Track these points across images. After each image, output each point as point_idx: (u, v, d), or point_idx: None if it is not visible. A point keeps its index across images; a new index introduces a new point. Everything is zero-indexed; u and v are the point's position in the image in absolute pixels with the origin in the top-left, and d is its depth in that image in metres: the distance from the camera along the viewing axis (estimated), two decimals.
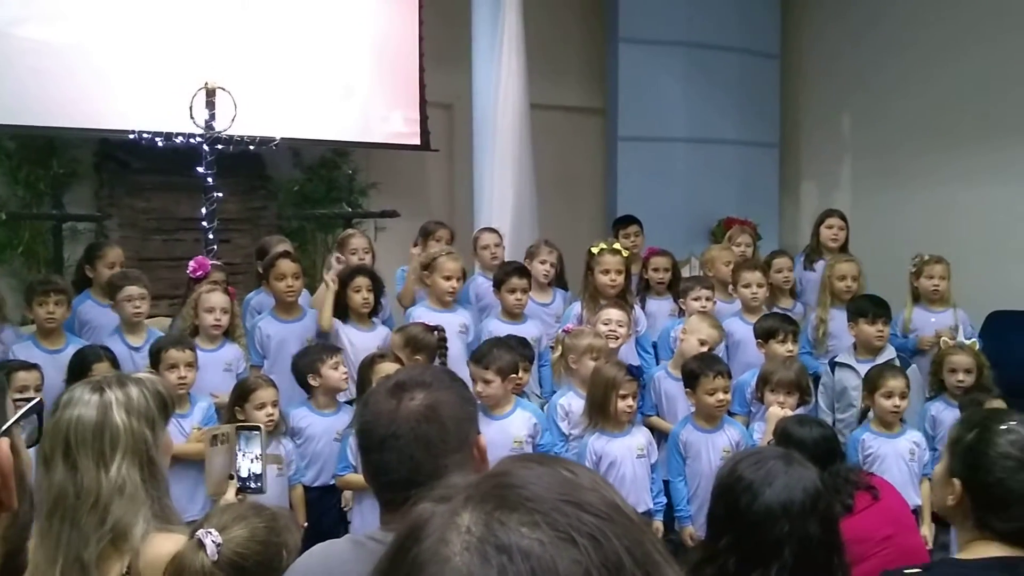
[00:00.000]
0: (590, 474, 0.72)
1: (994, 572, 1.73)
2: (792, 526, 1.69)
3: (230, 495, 2.32)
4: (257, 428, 2.50)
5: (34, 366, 3.79)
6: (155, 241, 6.24)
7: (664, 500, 4.02)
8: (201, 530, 1.76)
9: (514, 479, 0.68)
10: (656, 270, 5.36)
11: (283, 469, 3.70)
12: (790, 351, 4.47)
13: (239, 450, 2.38)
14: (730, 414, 4.24)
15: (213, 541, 1.73)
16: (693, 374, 4.04)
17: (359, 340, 4.55)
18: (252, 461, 2.39)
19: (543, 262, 5.17)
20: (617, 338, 4.46)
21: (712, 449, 3.99)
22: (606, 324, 4.47)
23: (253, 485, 2.38)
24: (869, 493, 2.89)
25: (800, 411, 3.96)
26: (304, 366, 4.13)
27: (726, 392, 3.98)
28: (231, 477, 2.36)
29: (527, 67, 6.70)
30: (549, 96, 7.33)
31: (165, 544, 1.77)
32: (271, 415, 3.75)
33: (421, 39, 6.98)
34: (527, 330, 4.68)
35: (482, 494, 0.67)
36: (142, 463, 1.80)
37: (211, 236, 5.52)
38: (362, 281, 4.65)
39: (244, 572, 1.76)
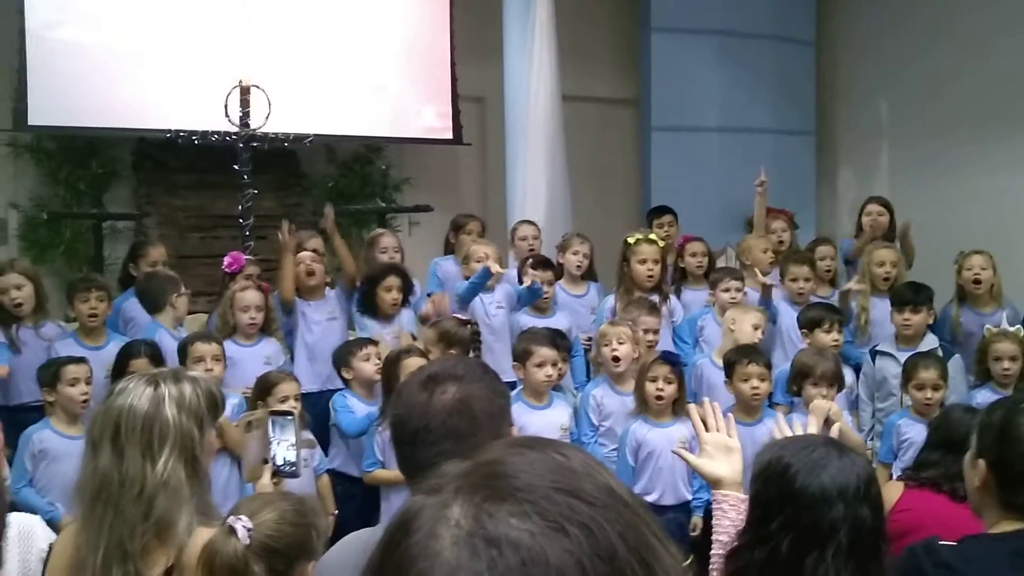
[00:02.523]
0: (584, 457, 0.70)
1: (1019, 542, 1.77)
2: (847, 509, 1.68)
3: (266, 479, 2.34)
4: (290, 414, 2.50)
5: (82, 359, 3.86)
6: (193, 238, 6.31)
7: (706, 496, 3.96)
8: (231, 517, 1.77)
9: (505, 467, 0.67)
10: (694, 255, 5.31)
11: (308, 460, 3.71)
12: (836, 340, 4.39)
13: (272, 437, 2.39)
14: (772, 405, 4.17)
15: (244, 526, 1.74)
16: (729, 363, 4.01)
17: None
18: (287, 448, 2.39)
19: (575, 253, 5.14)
20: (650, 345, 4.42)
21: (752, 443, 3.91)
22: (645, 332, 4.43)
23: (288, 470, 2.40)
24: None
25: (840, 398, 3.92)
26: (337, 359, 4.16)
27: (762, 380, 3.92)
28: (265, 462, 2.37)
29: (559, 59, 6.67)
30: (581, 87, 7.29)
31: (206, 537, 1.79)
32: (294, 408, 3.76)
33: (452, 33, 6.98)
34: (557, 322, 4.65)
35: (472, 484, 0.65)
36: (187, 460, 1.83)
37: (248, 233, 5.58)
38: (393, 281, 4.66)
39: (277, 554, 1.77)
